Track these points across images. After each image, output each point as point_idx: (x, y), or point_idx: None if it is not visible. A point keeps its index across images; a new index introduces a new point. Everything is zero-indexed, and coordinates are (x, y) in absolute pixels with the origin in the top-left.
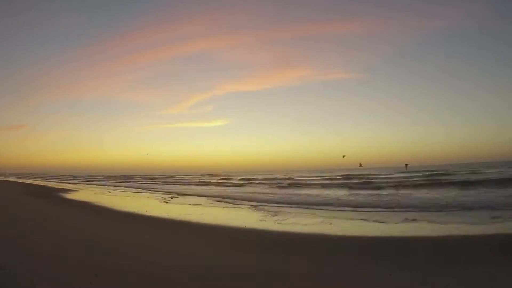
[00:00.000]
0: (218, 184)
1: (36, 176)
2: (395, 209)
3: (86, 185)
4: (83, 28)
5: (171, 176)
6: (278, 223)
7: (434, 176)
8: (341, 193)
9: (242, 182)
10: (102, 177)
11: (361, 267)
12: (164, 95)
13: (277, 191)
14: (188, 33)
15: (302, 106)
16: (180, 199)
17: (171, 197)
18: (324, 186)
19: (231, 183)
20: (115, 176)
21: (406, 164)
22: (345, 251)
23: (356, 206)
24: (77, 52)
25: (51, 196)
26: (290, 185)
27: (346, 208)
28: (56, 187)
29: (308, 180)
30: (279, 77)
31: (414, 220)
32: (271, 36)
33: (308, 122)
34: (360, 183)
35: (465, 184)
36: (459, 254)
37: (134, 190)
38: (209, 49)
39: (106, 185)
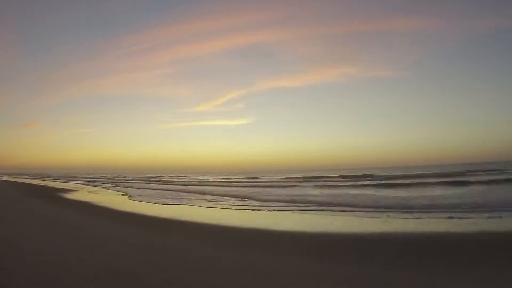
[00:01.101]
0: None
1: (48, 176)
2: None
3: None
4: (110, 20)
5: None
6: None
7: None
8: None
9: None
10: (132, 179)
11: (360, 267)
12: (198, 90)
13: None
14: (234, 26)
15: (343, 103)
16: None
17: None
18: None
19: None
20: (145, 178)
21: None
22: (344, 251)
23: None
24: (102, 45)
25: (59, 197)
26: (385, 185)
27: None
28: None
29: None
30: (325, 73)
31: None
32: (324, 31)
33: (347, 120)
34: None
35: None
36: (459, 254)
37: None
38: (255, 43)
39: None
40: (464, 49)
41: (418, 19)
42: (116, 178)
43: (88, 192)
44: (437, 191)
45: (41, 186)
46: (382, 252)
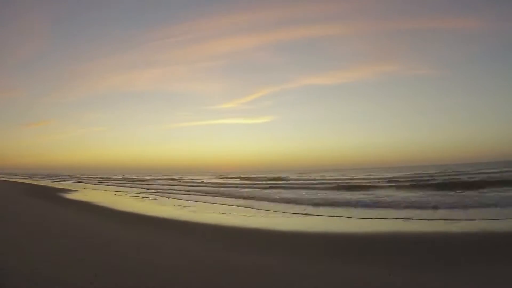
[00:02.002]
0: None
1: (62, 176)
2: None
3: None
4: (146, 12)
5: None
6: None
7: None
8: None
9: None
10: (156, 180)
11: (360, 267)
12: (228, 87)
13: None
14: (276, 20)
15: (376, 101)
16: None
17: None
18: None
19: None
20: (175, 180)
21: None
22: (344, 251)
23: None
24: (137, 37)
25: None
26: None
27: None
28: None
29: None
30: (364, 71)
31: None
32: (369, 28)
33: (381, 119)
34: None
35: None
36: (459, 254)
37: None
38: (297, 39)
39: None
40: (505, 49)
41: (461, 19)
42: (147, 181)
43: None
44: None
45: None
46: (383, 252)
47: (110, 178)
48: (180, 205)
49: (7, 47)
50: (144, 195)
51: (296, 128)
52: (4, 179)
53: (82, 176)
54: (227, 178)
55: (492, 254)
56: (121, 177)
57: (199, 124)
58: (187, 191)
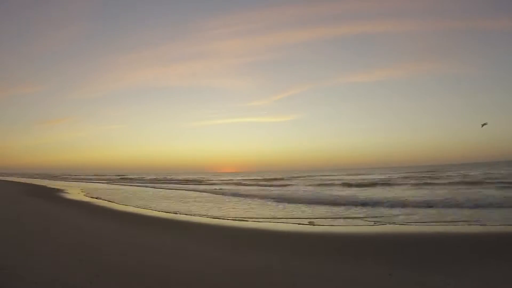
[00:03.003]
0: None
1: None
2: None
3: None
4: (171, 4)
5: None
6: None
7: None
8: None
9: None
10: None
11: (360, 267)
12: (263, 84)
13: None
14: (324, 16)
15: (409, 100)
16: None
17: None
18: None
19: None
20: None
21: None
22: (345, 251)
23: None
24: (178, 29)
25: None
26: None
27: None
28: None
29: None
30: (403, 69)
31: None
32: (417, 27)
33: (414, 118)
34: None
35: None
36: (459, 254)
37: None
38: (344, 35)
39: None
40: None
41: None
42: (196, 181)
43: None
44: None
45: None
46: (383, 252)
47: (145, 179)
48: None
49: (36, 37)
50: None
51: (332, 125)
52: (16, 180)
53: (113, 176)
54: (283, 179)
55: (492, 254)
56: (158, 177)
57: (228, 122)
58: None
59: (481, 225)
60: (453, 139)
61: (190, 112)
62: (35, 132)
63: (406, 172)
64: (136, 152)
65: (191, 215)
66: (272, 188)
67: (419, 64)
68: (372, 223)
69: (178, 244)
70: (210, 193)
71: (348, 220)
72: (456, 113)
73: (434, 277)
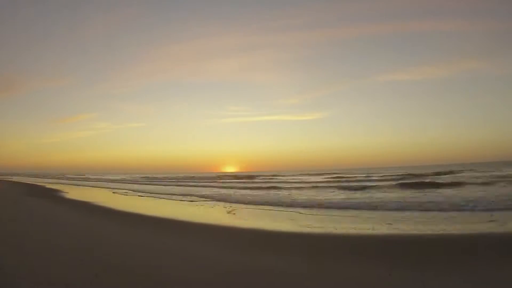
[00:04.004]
0: None
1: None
2: None
3: None
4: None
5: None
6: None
7: None
8: None
9: None
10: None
11: (361, 267)
12: (297, 81)
13: None
14: (372, 12)
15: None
16: None
17: None
18: None
19: None
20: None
21: None
22: (345, 251)
23: None
24: (227, 24)
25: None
26: None
27: None
28: None
29: None
30: (448, 68)
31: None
32: (465, 26)
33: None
34: None
35: None
36: (459, 254)
37: None
38: (391, 32)
39: None
40: None
41: None
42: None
43: None
44: None
45: None
46: (383, 252)
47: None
48: None
49: (72, 25)
50: None
51: (370, 123)
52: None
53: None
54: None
55: (493, 254)
56: (190, 176)
57: (258, 119)
58: None
59: (483, 224)
60: (495, 138)
61: (219, 108)
62: (53, 130)
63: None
64: (158, 150)
65: (195, 217)
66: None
67: (461, 63)
68: None
69: (179, 244)
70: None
71: None
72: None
73: (434, 277)
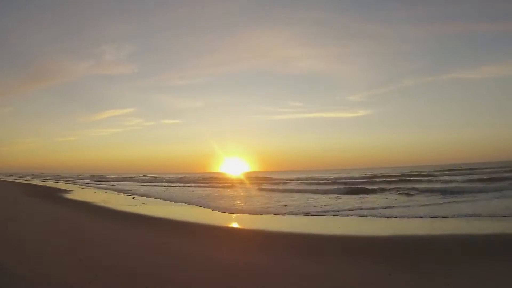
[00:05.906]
0: None
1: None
2: None
3: None
4: None
5: None
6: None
7: None
8: None
9: None
10: None
11: (361, 267)
12: (364, 76)
13: None
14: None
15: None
16: None
17: None
18: None
19: None
20: None
21: None
22: (345, 251)
23: None
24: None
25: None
26: None
27: None
28: None
29: None
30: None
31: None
32: None
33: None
34: None
35: None
36: (459, 254)
37: None
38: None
39: None
40: None
41: None
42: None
43: None
44: None
45: None
46: (383, 252)
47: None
48: None
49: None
50: None
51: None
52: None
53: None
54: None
55: (493, 254)
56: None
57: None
58: None
59: (484, 225)
60: None
61: (275, 104)
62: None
63: None
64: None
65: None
66: None
67: None
68: None
69: (179, 244)
70: None
71: None
72: None
73: (434, 277)
